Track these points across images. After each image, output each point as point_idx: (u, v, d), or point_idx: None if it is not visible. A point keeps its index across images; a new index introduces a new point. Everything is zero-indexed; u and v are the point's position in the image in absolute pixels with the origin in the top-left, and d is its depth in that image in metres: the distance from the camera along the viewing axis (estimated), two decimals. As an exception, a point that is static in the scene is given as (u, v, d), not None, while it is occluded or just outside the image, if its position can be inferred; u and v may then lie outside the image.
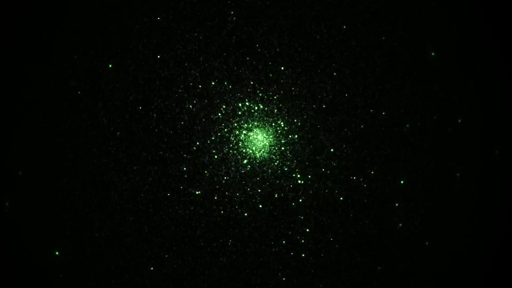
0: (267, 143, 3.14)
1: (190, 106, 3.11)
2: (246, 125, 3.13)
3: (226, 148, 3.12)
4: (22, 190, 3.35)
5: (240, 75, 3.11)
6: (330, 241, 3.19)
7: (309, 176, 3.13)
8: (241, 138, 3.14)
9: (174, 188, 3.14)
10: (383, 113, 3.15)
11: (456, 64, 3.32)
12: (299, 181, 3.14)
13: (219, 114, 3.11)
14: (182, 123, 3.11)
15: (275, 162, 3.14)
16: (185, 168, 3.12)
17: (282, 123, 3.12)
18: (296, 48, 3.12)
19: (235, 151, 3.13)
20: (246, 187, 3.13)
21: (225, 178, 3.13)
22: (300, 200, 3.14)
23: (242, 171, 3.13)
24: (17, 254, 3.50)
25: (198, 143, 3.11)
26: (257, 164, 3.14)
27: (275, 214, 3.16)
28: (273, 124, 3.13)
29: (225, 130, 3.12)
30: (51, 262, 3.35)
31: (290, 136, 3.12)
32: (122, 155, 3.15)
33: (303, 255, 3.19)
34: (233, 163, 3.13)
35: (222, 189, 3.13)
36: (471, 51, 3.39)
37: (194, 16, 3.15)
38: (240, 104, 3.11)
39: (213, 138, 3.11)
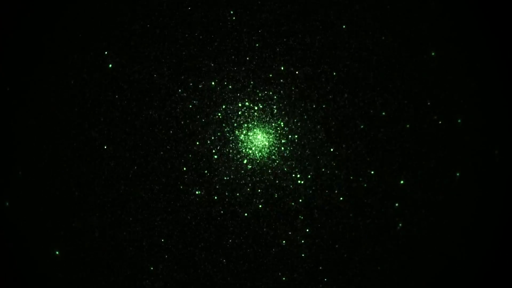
0: (267, 143, 3.14)
1: (190, 106, 3.11)
2: (246, 125, 3.13)
3: (226, 148, 3.12)
4: (22, 190, 3.35)
5: (240, 75, 3.11)
6: (330, 241, 3.19)
7: (309, 176, 3.13)
8: (241, 138, 3.13)
9: (174, 188, 3.14)
10: (383, 113, 3.15)
11: (456, 64, 3.32)
12: (299, 181, 3.13)
13: (219, 114, 3.11)
14: (182, 123, 3.11)
15: (275, 162, 3.14)
16: (185, 168, 3.12)
17: (282, 123, 3.12)
18: (296, 48, 3.12)
19: (235, 151, 3.13)
20: (246, 187, 3.13)
21: (225, 178, 3.13)
22: (300, 200, 3.14)
23: (242, 171, 3.13)
24: (17, 254, 3.50)
25: (198, 143, 3.11)
26: (257, 164, 3.14)
27: (275, 214, 3.16)
28: (273, 124, 3.13)
29: (225, 130, 3.12)
30: (51, 262, 3.35)
31: (290, 136, 3.12)
32: (122, 155, 3.15)
33: (303, 255, 3.19)
34: (233, 163, 3.13)
35: (222, 189, 3.13)
36: (471, 51, 3.39)
37: (194, 15, 3.15)
38: (240, 104, 3.11)
39: (213, 138, 3.11)
